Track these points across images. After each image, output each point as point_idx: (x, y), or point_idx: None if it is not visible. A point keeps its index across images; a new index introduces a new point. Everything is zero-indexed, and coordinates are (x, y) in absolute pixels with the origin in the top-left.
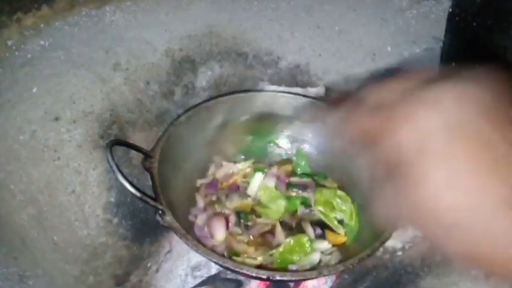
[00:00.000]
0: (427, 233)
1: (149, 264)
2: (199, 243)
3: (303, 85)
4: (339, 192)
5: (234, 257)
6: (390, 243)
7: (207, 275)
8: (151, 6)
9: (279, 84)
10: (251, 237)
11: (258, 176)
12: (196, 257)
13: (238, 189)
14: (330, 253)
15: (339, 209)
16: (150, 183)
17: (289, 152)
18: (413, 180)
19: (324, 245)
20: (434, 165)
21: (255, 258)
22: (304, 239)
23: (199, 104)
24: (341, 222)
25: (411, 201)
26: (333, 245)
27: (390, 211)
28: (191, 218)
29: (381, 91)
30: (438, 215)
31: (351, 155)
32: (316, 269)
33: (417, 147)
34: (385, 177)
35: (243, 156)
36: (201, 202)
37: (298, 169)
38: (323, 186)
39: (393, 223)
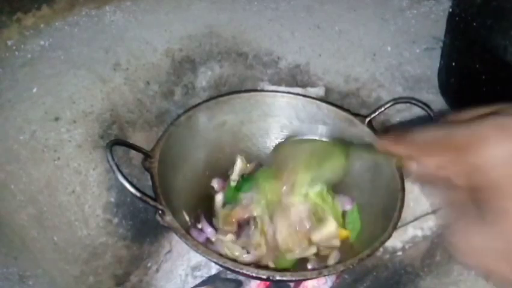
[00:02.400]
0: None
1: (149, 264)
2: (199, 243)
3: (303, 85)
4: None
5: None
6: (390, 243)
7: (207, 275)
8: (151, 6)
9: (279, 84)
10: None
11: None
12: (196, 257)
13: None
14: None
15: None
16: (150, 183)
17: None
18: (498, 208)
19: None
20: None
21: None
22: None
23: (199, 104)
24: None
25: (500, 232)
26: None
27: (474, 247)
28: (187, 218)
29: (461, 116)
30: None
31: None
32: (317, 269)
33: (500, 168)
34: (466, 205)
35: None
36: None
37: None
38: None
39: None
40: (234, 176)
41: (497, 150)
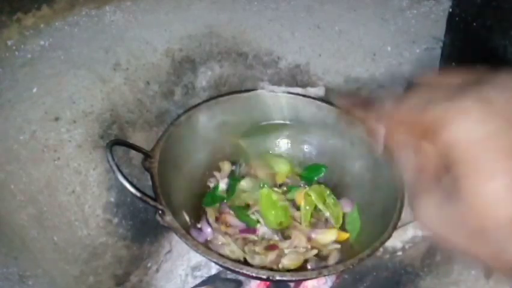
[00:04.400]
0: (482, 246)
1: (149, 264)
2: (199, 243)
3: (303, 85)
4: (333, 196)
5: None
6: (390, 243)
7: (207, 275)
8: (151, 6)
9: (279, 84)
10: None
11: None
12: (196, 257)
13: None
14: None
15: (328, 206)
16: (150, 183)
17: (289, 153)
18: (468, 185)
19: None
20: (494, 169)
21: None
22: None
23: (199, 104)
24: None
25: (465, 208)
26: (337, 242)
27: (437, 219)
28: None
29: (425, 88)
30: (499, 226)
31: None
32: (317, 269)
33: (477, 145)
34: (432, 178)
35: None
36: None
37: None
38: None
39: (438, 234)
40: (222, 184)
41: (479, 125)
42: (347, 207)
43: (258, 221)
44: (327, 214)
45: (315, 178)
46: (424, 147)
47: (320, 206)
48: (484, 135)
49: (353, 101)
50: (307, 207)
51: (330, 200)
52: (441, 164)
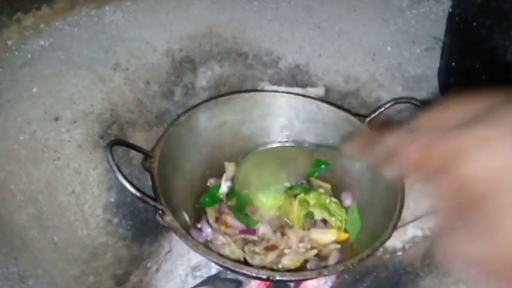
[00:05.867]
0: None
1: (149, 264)
2: (199, 243)
3: (303, 85)
4: (334, 199)
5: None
6: (390, 243)
7: (207, 275)
8: (151, 6)
9: (279, 84)
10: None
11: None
12: (196, 257)
13: None
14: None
15: (334, 213)
16: (150, 183)
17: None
18: (493, 221)
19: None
20: None
21: None
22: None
23: (199, 104)
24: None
25: (491, 244)
26: (337, 242)
27: (462, 255)
28: (187, 218)
29: (438, 115)
30: None
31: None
32: (317, 269)
33: (496, 180)
34: (454, 214)
35: None
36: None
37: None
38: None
39: (464, 269)
40: (224, 187)
41: (478, 165)
42: (347, 200)
43: (258, 220)
44: (332, 219)
45: (316, 174)
46: (442, 182)
47: (317, 211)
48: (486, 174)
49: (360, 143)
50: (301, 212)
51: (332, 205)
52: (461, 198)
